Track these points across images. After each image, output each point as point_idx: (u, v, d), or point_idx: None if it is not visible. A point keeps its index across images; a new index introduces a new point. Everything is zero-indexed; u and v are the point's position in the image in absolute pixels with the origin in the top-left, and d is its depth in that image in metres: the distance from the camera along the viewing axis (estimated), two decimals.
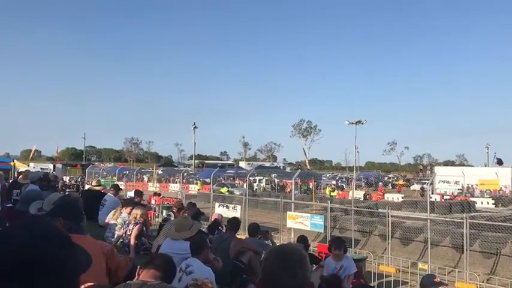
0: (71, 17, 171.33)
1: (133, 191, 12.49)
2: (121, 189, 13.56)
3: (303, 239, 7.83)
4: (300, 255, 1.92)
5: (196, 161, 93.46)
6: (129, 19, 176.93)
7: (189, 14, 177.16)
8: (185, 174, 55.12)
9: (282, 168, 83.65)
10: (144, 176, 54.59)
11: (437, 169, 52.73)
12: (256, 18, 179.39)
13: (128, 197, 11.73)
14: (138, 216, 6.98)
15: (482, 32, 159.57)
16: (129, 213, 7.42)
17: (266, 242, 7.55)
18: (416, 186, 49.59)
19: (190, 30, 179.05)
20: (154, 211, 20.33)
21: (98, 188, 12.41)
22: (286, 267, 1.86)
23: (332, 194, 37.53)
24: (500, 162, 53.46)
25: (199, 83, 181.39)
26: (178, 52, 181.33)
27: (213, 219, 8.12)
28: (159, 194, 23.86)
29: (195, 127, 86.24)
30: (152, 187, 41.58)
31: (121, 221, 7.63)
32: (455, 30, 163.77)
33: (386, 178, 71.98)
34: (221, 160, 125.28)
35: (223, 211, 18.96)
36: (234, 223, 6.43)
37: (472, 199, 34.03)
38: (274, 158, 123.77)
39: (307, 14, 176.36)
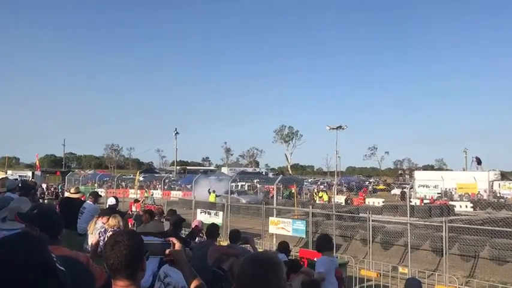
0: (51, 17, 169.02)
1: (111, 197, 12.30)
2: (100, 196, 13.36)
3: (283, 245, 7.81)
4: (273, 262, 1.94)
5: (178, 167, 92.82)
6: (107, 20, 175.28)
7: (168, 16, 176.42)
8: (167, 180, 54.70)
9: (264, 173, 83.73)
10: (125, 183, 54.01)
11: (417, 173, 53.36)
12: (238, 20, 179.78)
13: (108, 204, 11.54)
14: (117, 223, 6.87)
15: (458, 38, 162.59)
16: (105, 223, 7.30)
17: (248, 248, 7.51)
18: (396, 191, 50.10)
19: (170, 34, 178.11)
20: (135, 219, 20.13)
21: (76, 195, 12.17)
22: (259, 274, 1.88)
23: (324, 198, 37.42)
24: (479, 162, 54.42)
25: (181, 88, 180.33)
26: (159, 58, 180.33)
27: (193, 226, 8.04)
28: (140, 201, 23.64)
29: (177, 133, 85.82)
30: (133, 194, 41.19)
31: (96, 231, 7.50)
32: (434, 35, 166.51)
33: (367, 183, 72.57)
34: (203, 166, 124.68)
35: (205, 217, 18.86)
36: (213, 230, 6.37)
37: (451, 203, 34.51)
38: (257, 164, 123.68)
39: (288, 18, 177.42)
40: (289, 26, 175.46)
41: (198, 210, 20.64)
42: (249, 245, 7.46)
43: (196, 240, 7.44)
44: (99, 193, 14.35)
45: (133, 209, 22.08)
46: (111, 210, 9.19)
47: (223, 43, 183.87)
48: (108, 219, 7.28)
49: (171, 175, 74.97)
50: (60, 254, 1.33)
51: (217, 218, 19.24)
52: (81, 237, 9.42)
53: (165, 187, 45.77)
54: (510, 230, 13.36)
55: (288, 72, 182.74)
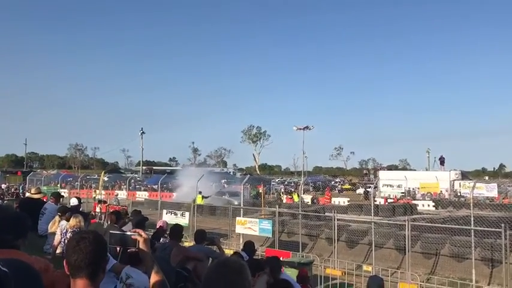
0: (18, 17, 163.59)
1: (73, 198, 12.02)
2: (63, 196, 13.05)
3: (249, 244, 7.81)
4: (238, 265, 2.02)
5: (144, 167, 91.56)
6: (72, 18, 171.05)
7: (131, 16, 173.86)
8: (132, 180, 53.92)
9: (232, 173, 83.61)
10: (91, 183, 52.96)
11: (381, 173, 54.37)
12: (205, 21, 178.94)
13: (71, 204, 11.27)
14: (77, 223, 6.71)
15: (420, 39, 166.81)
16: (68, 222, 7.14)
17: (213, 248, 7.47)
18: (361, 190, 50.94)
19: (135, 34, 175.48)
20: (100, 219, 19.74)
21: (37, 196, 11.84)
22: (224, 276, 1.95)
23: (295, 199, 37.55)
24: (442, 162, 55.99)
25: (146, 87, 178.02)
26: (124, 55, 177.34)
27: (157, 227, 7.93)
28: (105, 202, 23.19)
29: (143, 132, 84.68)
30: (98, 194, 40.42)
31: (60, 231, 7.33)
32: (397, 36, 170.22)
33: (333, 182, 73.54)
34: (170, 166, 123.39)
35: (171, 218, 18.70)
36: (176, 231, 6.30)
37: (414, 202, 35.36)
38: (224, 164, 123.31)
39: (257, 20, 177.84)
40: (256, 28, 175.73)
41: (164, 211, 20.43)
42: (215, 246, 7.44)
43: (161, 240, 7.33)
44: (62, 194, 14.03)
45: (98, 209, 21.67)
46: (75, 211, 8.99)
47: (190, 44, 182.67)
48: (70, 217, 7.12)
49: (136, 175, 73.98)
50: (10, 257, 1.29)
51: (183, 219, 19.10)
52: (42, 239, 9.18)
53: (131, 187, 45.08)
54: (469, 228, 13.78)
55: (256, 73, 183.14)
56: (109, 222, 8.17)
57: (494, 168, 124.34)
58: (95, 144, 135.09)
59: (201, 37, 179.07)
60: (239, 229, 17.60)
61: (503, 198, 38.97)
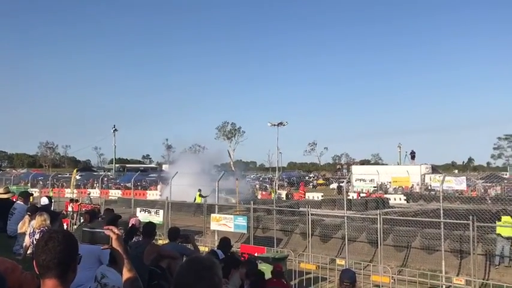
0: None
1: (43, 197, 11.80)
2: (32, 195, 12.76)
3: (225, 241, 7.83)
4: (209, 262, 2.05)
5: (117, 165, 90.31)
6: (42, 16, 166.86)
7: (104, 10, 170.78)
8: (105, 179, 53.18)
9: (206, 171, 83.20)
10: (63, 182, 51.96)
11: (354, 168, 55.16)
12: (177, 15, 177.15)
13: (41, 204, 11.04)
14: (43, 222, 6.57)
15: (393, 34, 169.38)
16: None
17: (188, 246, 7.45)
18: (335, 185, 51.53)
19: (107, 31, 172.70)
20: (72, 218, 19.42)
21: (5, 195, 11.54)
22: (194, 273, 1.97)
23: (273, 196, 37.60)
24: (413, 156, 57.16)
25: (119, 84, 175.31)
26: (95, 51, 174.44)
27: (130, 225, 7.85)
28: (77, 201, 22.82)
29: (115, 130, 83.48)
30: (70, 193, 39.75)
31: (30, 230, 7.19)
32: (369, 34, 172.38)
33: (307, 178, 74.12)
34: (143, 163, 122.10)
35: (145, 216, 18.53)
36: (149, 229, 6.25)
37: (386, 196, 36.03)
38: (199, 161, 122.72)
39: (229, 16, 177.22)
40: (229, 24, 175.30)
41: (138, 209, 20.23)
42: (190, 243, 7.42)
43: (134, 239, 7.27)
44: (32, 193, 13.73)
45: (70, 208, 21.30)
46: (45, 210, 8.82)
47: (163, 39, 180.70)
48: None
49: (109, 173, 72.97)
50: None
51: (157, 217, 18.97)
52: (12, 239, 8.98)
53: (103, 186, 44.44)
54: (439, 220, 14.12)
55: (230, 69, 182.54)
56: (82, 222, 8.08)
57: (463, 162, 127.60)
58: (66, 142, 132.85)
59: (173, 34, 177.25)
60: (214, 226, 17.58)
61: (472, 191, 40.09)
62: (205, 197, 25.21)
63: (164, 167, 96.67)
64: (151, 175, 60.68)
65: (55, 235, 2.18)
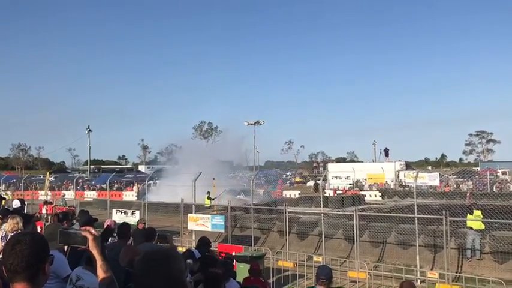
0: None
1: (15, 200, 11.56)
2: (4, 199, 12.50)
3: (203, 241, 7.82)
4: (163, 256, 1.98)
5: (92, 166, 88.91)
6: (12, 17, 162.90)
7: (77, 13, 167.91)
8: (80, 180, 52.38)
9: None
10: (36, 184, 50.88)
11: (330, 166, 55.61)
12: (156, 16, 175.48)
13: (13, 207, 10.81)
14: (15, 226, 6.43)
15: (366, 33, 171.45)
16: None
17: (165, 246, 7.41)
18: (312, 183, 51.93)
19: (80, 29, 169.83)
20: (46, 221, 19.04)
21: None
22: (150, 267, 1.92)
23: None
24: (387, 153, 58.06)
25: (93, 84, 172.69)
26: (69, 51, 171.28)
27: (105, 226, 7.75)
28: (51, 203, 22.39)
29: (90, 130, 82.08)
30: (43, 196, 39.02)
31: (2, 234, 7.03)
32: (344, 32, 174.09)
33: (284, 176, 74.44)
34: (119, 164, 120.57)
35: (121, 217, 18.34)
36: (124, 230, 6.18)
37: (361, 193, 36.53)
38: (176, 161, 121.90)
39: (203, 16, 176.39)
40: (203, 24, 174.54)
41: (114, 210, 20.01)
42: (167, 244, 7.38)
43: (109, 240, 7.18)
44: (5, 196, 13.45)
45: (44, 211, 20.89)
46: (18, 213, 8.64)
47: (137, 41, 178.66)
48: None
49: (84, 175, 71.88)
50: None
51: (134, 218, 18.79)
52: None
53: (78, 187, 43.75)
54: (413, 216, 14.39)
55: (206, 67, 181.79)
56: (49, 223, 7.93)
57: (436, 158, 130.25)
58: (40, 143, 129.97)
59: (147, 34, 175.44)
60: (191, 226, 17.52)
61: (445, 187, 40.96)
62: (213, 199, 24.50)
63: (140, 167, 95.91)
64: (128, 176, 60.07)
65: (22, 238, 2.14)
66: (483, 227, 13.91)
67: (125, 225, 6.44)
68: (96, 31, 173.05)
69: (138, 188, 42.22)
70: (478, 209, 14.70)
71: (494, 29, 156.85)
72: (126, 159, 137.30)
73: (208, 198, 24.55)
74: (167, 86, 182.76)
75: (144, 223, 12.16)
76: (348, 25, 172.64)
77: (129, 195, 42.05)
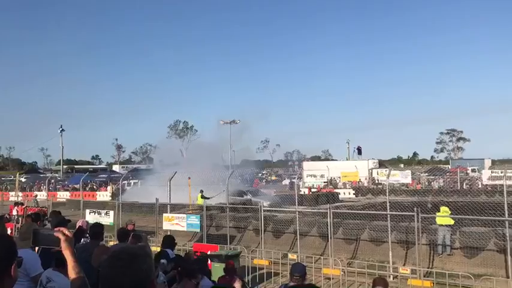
0: None
1: None
2: None
3: (167, 240, 7.81)
4: (131, 255, 1.94)
5: (64, 167, 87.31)
6: None
7: (48, 12, 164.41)
8: (52, 180, 51.38)
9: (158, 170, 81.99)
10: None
11: (305, 164, 56.02)
12: (129, 14, 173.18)
13: None
14: None
15: (341, 32, 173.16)
16: None
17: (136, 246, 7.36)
18: (287, 181, 52.21)
19: (53, 27, 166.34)
20: (17, 222, 18.64)
21: None
22: (115, 266, 1.89)
23: None
24: (360, 152, 58.94)
25: (65, 83, 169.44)
26: (41, 49, 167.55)
27: (77, 227, 7.64)
28: (22, 204, 21.97)
29: (62, 130, 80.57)
30: (14, 196, 38.21)
31: None
32: (316, 29, 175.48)
33: (260, 174, 74.57)
34: (93, 164, 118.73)
35: (94, 218, 18.09)
36: (96, 230, 6.11)
37: (335, 190, 36.94)
38: (150, 160, 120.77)
39: (179, 16, 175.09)
40: (179, 24, 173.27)
41: (87, 211, 19.72)
42: (142, 243, 7.34)
43: (82, 241, 7.09)
44: None
45: (14, 212, 20.45)
46: None
47: (110, 38, 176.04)
48: None
49: (57, 175, 70.61)
50: None
51: (108, 218, 18.57)
52: None
53: (50, 188, 42.91)
54: (385, 213, 14.64)
55: (181, 67, 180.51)
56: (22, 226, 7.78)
57: (408, 157, 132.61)
58: (10, 143, 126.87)
59: (121, 32, 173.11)
60: (166, 226, 17.40)
61: (417, 184, 41.80)
62: (209, 198, 22.97)
63: (114, 167, 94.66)
64: (101, 176, 59.23)
65: None
66: (452, 222, 14.25)
67: (97, 225, 6.36)
68: (68, 28, 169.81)
69: (112, 188, 41.66)
70: (445, 206, 15.10)
71: (465, 28, 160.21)
72: (99, 159, 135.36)
73: (202, 197, 23.50)
74: (141, 84, 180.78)
75: (134, 224, 12.04)
76: (317, 21, 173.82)
77: (103, 196, 41.46)
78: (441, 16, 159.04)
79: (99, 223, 7.09)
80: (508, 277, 11.89)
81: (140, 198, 25.66)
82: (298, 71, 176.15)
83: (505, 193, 12.53)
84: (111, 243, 12.10)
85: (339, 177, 45.86)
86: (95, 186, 49.69)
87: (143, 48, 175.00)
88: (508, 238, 12.21)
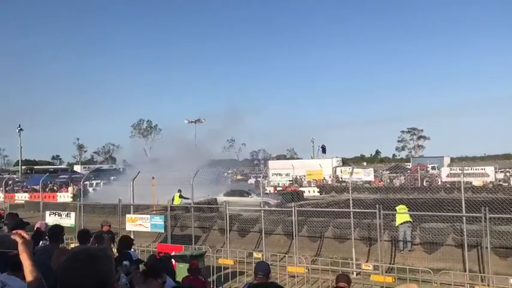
0: None
1: None
2: None
3: (124, 240, 7.69)
4: (90, 256, 1.90)
5: (23, 167, 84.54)
6: None
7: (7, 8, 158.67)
8: (10, 181, 49.67)
9: (121, 170, 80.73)
10: None
11: (271, 163, 56.31)
12: (90, 14, 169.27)
13: None
14: None
15: (299, 35, 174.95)
16: None
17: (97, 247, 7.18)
18: (253, 180, 52.35)
19: (12, 23, 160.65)
20: None
21: None
22: (73, 267, 1.84)
23: None
24: (324, 150, 59.77)
25: (23, 81, 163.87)
26: None
27: (35, 229, 7.40)
28: None
29: (21, 129, 78.06)
30: None
31: None
32: (277, 33, 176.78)
33: (225, 174, 74.45)
34: (53, 165, 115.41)
35: (55, 220, 17.66)
36: (56, 232, 5.93)
37: (300, 189, 37.30)
38: (113, 160, 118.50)
39: (145, 14, 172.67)
40: (143, 18, 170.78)
41: (47, 213, 19.19)
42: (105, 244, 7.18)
43: (40, 244, 6.87)
44: None
45: None
46: None
47: (72, 35, 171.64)
48: None
49: (15, 176, 68.37)
50: None
51: (69, 219, 18.15)
52: None
53: (8, 189, 41.49)
54: (348, 210, 14.89)
55: (145, 65, 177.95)
56: None
57: (371, 155, 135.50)
58: None
59: (83, 29, 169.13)
60: (130, 226, 17.13)
61: (379, 182, 42.71)
62: (188, 198, 21.22)
63: (76, 167, 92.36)
64: (62, 176, 57.69)
65: None
66: (409, 218, 14.62)
67: (56, 227, 6.18)
68: (26, 23, 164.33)
69: (74, 189, 40.65)
70: (401, 204, 15.51)
71: (425, 29, 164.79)
72: (60, 159, 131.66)
73: (181, 196, 22.34)
74: (103, 82, 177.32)
75: (109, 225, 11.77)
76: (282, 24, 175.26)
77: (64, 197, 40.38)
78: (399, 19, 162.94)
79: (59, 225, 6.89)
80: (465, 271, 12.33)
81: (110, 199, 25.17)
82: (264, 71, 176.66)
83: (462, 190, 13.01)
84: (72, 246, 11.80)
85: (304, 176, 46.31)
86: (55, 187, 48.33)
87: (105, 45, 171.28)
88: (465, 233, 12.66)
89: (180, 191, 22.66)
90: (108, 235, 10.25)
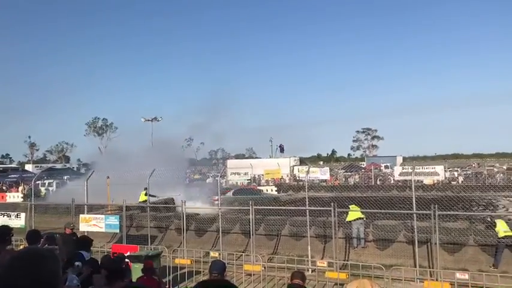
0: None
1: None
2: None
3: (83, 240, 7.55)
4: (34, 256, 1.85)
5: None
6: None
7: None
8: None
9: (75, 169, 78.48)
10: None
11: (229, 162, 56.37)
12: (41, 11, 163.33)
13: None
14: None
15: (268, 37, 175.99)
16: None
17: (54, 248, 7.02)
18: (211, 179, 52.18)
19: None
20: None
21: None
22: (15, 267, 1.79)
23: None
24: (282, 149, 60.32)
25: None
26: None
27: None
28: None
29: None
30: None
31: None
32: (245, 35, 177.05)
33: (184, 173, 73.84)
34: (2, 164, 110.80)
35: (3, 220, 17.00)
36: (2, 233, 5.71)
37: (259, 187, 37.48)
38: (67, 159, 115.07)
39: (99, 11, 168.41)
40: (107, 21, 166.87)
41: None
42: (56, 245, 7.00)
43: None
44: None
45: None
46: None
47: (26, 31, 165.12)
48: None
49: None
50: None
51: (19, 220, 17.53)
52: None
53: None
54: (304, 208, 15.13)
55: (100, 62, 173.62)
56: None
57: (327, 154, 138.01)
58: None
59: (39, 26, 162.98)
60: (83, 227, 16.70)
61: (335, 180, 43.57)
62: (155, 196, 21.25)
63: (27, 166, 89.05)
64: (12, 176, 55.56)
65: None
66: (360, 214, 15.01)
67: (3, 228, 5.98)
68: None
69: (24, 189, 39.21)
70: (353, 203, 15.93)
71: (377, 30, 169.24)
72: (10, 158, 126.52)
73: (146, 194, 20.84)
74: (57, 79, 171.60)
75: (72, 228, 11.40)
76: (242, 21, 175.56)
77: (14, 197, 38.87)
78: (350, 21, 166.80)
79: (7, 225, 6.65)
80: (415, 266, 12.81)
81: (64, 200, 24.38)
82: (221, 69, 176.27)
83: (413, 188, 13.43)
84: (21, 247, 11.40)
85: (262, 175, 46.63)
86: (4, 187, 46.52)
87: (60, 42, 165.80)
88: (415, 230, 13.14)
89: (146, 188, 21.43)
90: (72, 237, 10.01)
